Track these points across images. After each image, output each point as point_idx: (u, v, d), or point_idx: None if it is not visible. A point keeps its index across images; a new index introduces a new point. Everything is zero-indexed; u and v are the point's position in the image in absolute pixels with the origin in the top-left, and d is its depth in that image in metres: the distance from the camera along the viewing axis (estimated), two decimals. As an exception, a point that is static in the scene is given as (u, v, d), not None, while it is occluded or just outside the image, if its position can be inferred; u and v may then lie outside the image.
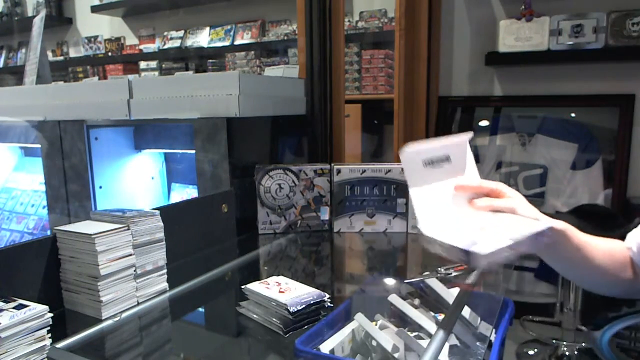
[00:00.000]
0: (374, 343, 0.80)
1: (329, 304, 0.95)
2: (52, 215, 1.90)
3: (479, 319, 0.85)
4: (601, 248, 0.86)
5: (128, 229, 0.98)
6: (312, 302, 0.91)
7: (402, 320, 0.86)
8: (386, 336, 0.79)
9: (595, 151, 1.76)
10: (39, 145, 1.88)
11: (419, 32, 1.89)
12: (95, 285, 0.92)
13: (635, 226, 0.90)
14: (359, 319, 0.84)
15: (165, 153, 1.99)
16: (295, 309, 0.87)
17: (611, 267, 0.86)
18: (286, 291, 0.95)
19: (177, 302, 1.06)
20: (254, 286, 0.98)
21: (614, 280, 0.87)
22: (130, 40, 4.20)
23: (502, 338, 0.78)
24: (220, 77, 1.56)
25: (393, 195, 1.52)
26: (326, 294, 0.95)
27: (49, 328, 0.80)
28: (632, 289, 0.87)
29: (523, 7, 1.76)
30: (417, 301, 0.86)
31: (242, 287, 0.98)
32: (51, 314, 0.80)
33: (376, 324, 0.84)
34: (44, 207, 2.18)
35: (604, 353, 1.38)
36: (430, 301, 0.85)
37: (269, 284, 0.99)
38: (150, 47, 3.94)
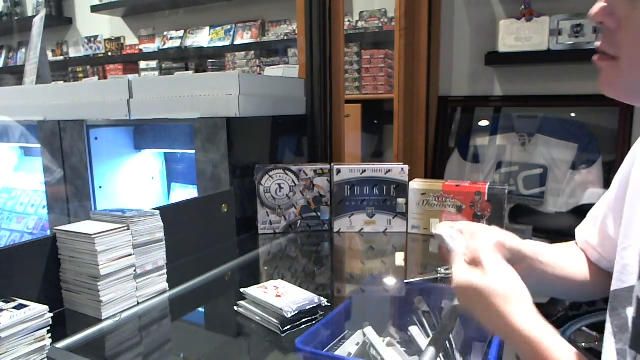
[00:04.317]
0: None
1: (325, 304, 0.95)
2: (52, 215, 1.90)
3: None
4: (567, 264, 0.86)
5: (128, 229, 0.98)
6: (307, 306, 0.91)
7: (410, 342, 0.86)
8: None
9: (595, 151, 1.76)
10: (39, 145, 1.88)
11: (419, 32, 1.89)
12: (95, 285, 0.92)
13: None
14: (369, 333, 0.84)
15: (165, 153, 2.00)
16: (290, 314, 0.88)
17: (582, 279, 0.87)
18: (283, 295, 0.95)
19: (177, 302, 1.06)
20: (252, 290, 0.98)
21: (586, 288, 0.87)
22: (130, 40, 4.20)
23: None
24: (220, 77, 1.56)
25: (393, 195, 1.53)
26: (323, 298, 0.96)
27: (49, 328, 0.80)
28: (605, 290, 0.88)
29: (523, 7, 1.76)
30: (397, 343, 0.85)
31: (242, 290, 0.99)
32: (51, 314, 0.80)
33: (383, 340, 0.84)
34: (44, 207, 2.18)
35: None
36: (412, 349, 0.84)
37: (266, 288, 0.99)
38: (150, 47, 3.95)
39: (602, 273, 0.88)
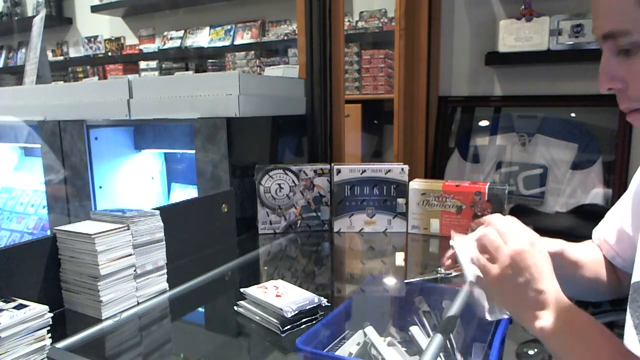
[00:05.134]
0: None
1: (325, 304, 0.95)
2: (52, 215, 1.90)
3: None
4: (590, 260, 0.89)
5: (128, 229, 0.98)
6: (307, 306, 0.91)
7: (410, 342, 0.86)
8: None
9: (595, 151, 1.76)
10: (39, 145, 1.88)
11: (419, 32, 1.89)
12: (95, 285, 0.92)
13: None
14: (370, 333, 0.84)
15: (165, 153, 1.99)
16: (290, 314, 0.88)
17: (599, 276, 0.89)
18: (283, 295, 0.95)
19: (177, 302, 1.06)
20: (252, 290, 0.98)
21: (602, 286, 0.89)
22: (130, 40, 4.20)
23: (502, 338, 0.78)
24: (220, 77, 1.56)
25: (393, 195, 1.52)
26: (323, 297, 0.96)
27: (49, 328, 0.80)
28: (619, 289, 0.90)
29: (523, 7, 1.75)
30: (398, 343, 0.85)
31: (242, 290, 0.99)
32: (51, 314, 0.80)
33: (384, 340, 0.84)
34: (44, 207, 2.18)
35: None
36: (413, 349, 0.84)
37: (266, 288, 0.99)
38: (150, 47, 3.94)
39: (616, 272, 0.89)
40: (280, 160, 1.72)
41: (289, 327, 0.89)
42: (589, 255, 0.90)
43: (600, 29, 0.64)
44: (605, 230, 0.91)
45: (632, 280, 0.73)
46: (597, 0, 0.64)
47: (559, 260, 0.83)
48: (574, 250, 0.88)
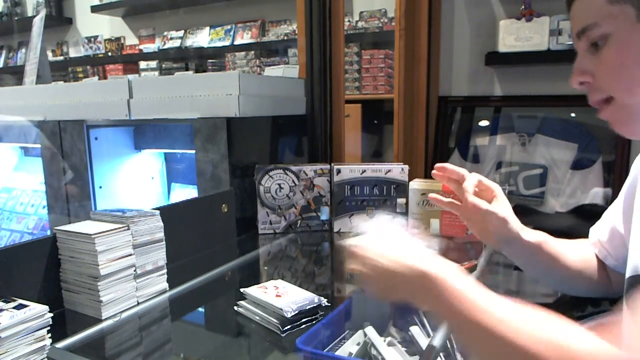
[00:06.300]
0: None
1: (325, 304, 0.95)
2: (52, 215, 1.90)
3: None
4: (575, 255, 0.90)
5: (128, 229, 0.98)
6: (307, 306, 0.91)
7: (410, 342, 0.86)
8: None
9: (595, 151, 1.75)
10: (39, 145, 1.88)
11: (419, 32, 1.89)
12: (95, 285, 0.92)
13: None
14: (370, 333, 0.83)
15: (165, 153, 1.99)
16: (290, 314, 0.88)
17: (585, 272, 0.89)
18: (283, 295, 0.95)
19: (177, 302, 1.06)
20: (252, 290, 0.98)
21: (588, 283, 0.89)
22: (130, 40, 4.20)
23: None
24: (220, 77, 1.56)
25: (393, 195, 1.52)
26: (323, 297, 0.96)
27: (49, 328, 0.80)
28: (608, 289, 0.90)
29: (523, 7, 1.75)
30: (398, 343, 0.85)
31: (242, 290, 0.99)
32: (51, 314, 0.80)
33: (384, 340, 0.83)
34: (44, 207, 2.18)
35: None
36: (413, 349, 0.84)
37: (266, 288, 0.99)
38: (150, 47, 3.94)
39: (607, 272, 0.90)
40: (280, 160, 1.72)
41: (289, 327, 0.89)
42: (575, 251, 0.91)
43: (575, 30, 0.70)
44: (600, 230, 0.92)
45: (627, 275, 0.74)
46: (572, 7, 0.70)
47: (537, 252, 0.86)
48: (555, 243, 0.88)
